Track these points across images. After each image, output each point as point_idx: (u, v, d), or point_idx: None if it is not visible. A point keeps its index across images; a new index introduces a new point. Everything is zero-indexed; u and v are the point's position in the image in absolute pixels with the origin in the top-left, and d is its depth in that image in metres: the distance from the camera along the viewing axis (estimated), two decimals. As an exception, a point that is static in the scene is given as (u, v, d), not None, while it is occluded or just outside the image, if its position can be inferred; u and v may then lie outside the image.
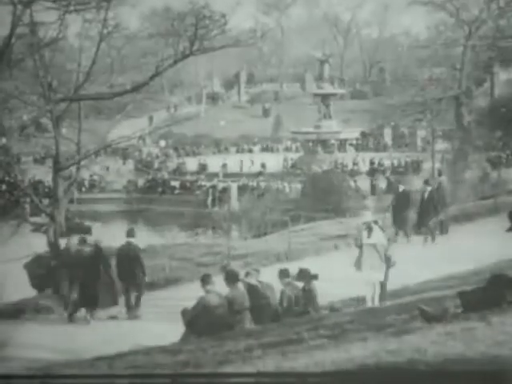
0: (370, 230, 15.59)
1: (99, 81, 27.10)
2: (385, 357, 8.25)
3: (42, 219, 24.75)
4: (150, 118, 63.82)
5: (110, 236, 34.26)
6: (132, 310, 17.50)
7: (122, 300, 17.74)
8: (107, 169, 49.39)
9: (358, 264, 15.67)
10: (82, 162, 25.41)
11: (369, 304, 15.42)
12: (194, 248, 24.86)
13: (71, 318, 17.23)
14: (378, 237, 15.66)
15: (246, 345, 10.89)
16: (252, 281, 14.32)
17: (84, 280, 17.32)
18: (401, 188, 24.49)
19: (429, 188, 23.85)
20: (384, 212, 26.91)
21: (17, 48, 21.54)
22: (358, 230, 16.12)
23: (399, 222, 23.57)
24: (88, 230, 36.55)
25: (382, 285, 15.68)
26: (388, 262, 15.59)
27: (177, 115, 64.59)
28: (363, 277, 15.56)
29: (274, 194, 36.16)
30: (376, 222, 16.03)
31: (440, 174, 26.61)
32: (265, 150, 58.20)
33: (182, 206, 41.00)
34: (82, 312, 17.29)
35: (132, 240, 18.08)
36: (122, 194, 45.28)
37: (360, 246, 15.72)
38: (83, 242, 17.87)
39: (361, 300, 16.08)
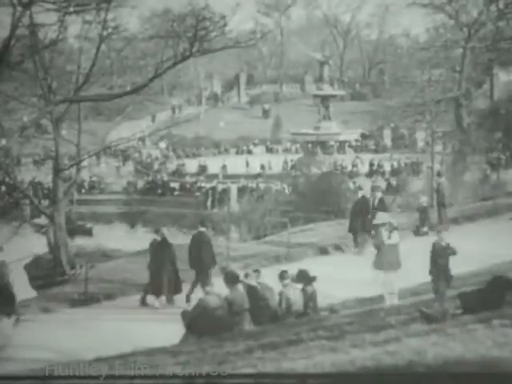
0: (391, 230, 15.78)
1: (99, 82, 27.11)
2: (384, 358, 8.26)
3: (42, 220, 24.77)
4: (153, 117, 63.95)
5: (110, 237, 34.40)
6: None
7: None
8: (117, 168, 49.60)
9: (379, 264, 15.75)
10: (84, 163, 25.41)
11: (388, 303, 15.46)
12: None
13: (143, 302, 18.16)
14: (396, 237, 15.87)
15: (246, 346, 10.91)
16: (252, 282, 14.34)
17: (152, 268, 18.32)
18: (360, 194, 23.60)
19: (378, 194, 23.09)
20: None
21: (16, 50, 21.49)
22: (377, 231, 16.23)
23: (354, 228, 22.96)
24: (89, 232, 36.73)
25: (447, 276, 15.76)
26: (447, 251, 15.67)
27: (177, 117, 64.68)
28: (377, 277, 15.68)
29: (273, 196, 36.16)
30: (394, 223, 16.18)
31: (439, 175, 26.50)
32: (265, 151, 58.24)
33: (181, 207, 41.00)
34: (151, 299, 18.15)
35: (203, 229, 18.84)
36: (121, 195, 45.30)
37: (379, 247, 15.86)
38: (157, 231, 18.93)
39: (362, 301, 16.12)
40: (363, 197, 23.50)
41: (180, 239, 31.16)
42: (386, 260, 15.73)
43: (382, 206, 22.52)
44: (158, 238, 18.60)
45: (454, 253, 15.86)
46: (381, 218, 16.45)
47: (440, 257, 15.57)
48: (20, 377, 9.24)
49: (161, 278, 18.10)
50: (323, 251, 23.07)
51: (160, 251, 18.35)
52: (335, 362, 8.42)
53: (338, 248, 23.34)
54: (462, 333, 9.07)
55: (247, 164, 49.48)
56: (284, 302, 14.34)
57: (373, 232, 21.62)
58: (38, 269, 21.56)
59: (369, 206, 22.68)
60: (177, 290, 18.26)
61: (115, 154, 52.69)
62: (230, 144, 59.81)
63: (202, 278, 17.86)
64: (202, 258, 18.25)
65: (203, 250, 18.34)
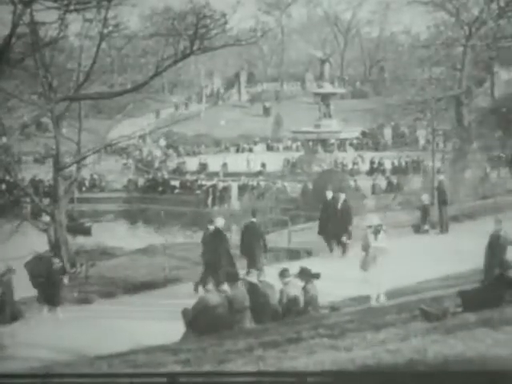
0: (376, 233, 15.78)
1: (99, 80, 27.08)
2: (385, 357, 8.27)
3: (43, 218, 24.77)
4: (157, 114, 63.93)
5: (111, 235, 34.39)
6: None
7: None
8: (124, 165, 49.66)
9: (365, 265, 15.74)
10: (86, 161, 25.41)
11: (373, 303, 15.47)
12: (193, 247, 24.80)
13: (196, 288, 18.41)
14: (383, 239, 15.85)
15: (246, 344, 10.91)
16: (253, 279, 14.35)
17: (206, 257, 18.88)
18: (329, 195, 22.83)
19: (343, 196, 22.81)
20: (384, 212, 26.93)
21: (17, 47, 21.47)
22: (364, 233, 16.22)
23: (324, 231, 22.76)
24: (88, 231, 36.69)
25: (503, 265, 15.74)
26: (505, 240, 15.65)
27: (178, 114, 64.63)
28: (368, 277, 15.65)
29: (274, 194, 36.13)
30: (381, 225, 16.14)
31: (440, 173, 26.47)
32: (266, 149, 58.20)
33: (182, 205, 40.97)
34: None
35: (254, 220, 19.86)
36: (122, 193, 45.29)
37: (366, 249, 15.84)
38: (210, 221, 19.66)
39: (362, 300, 16.11)
40: (333, 198, 22.81)
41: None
42: (372, 262, 15.71)
43: (345, 209, 22.39)
44: (212, 228, 19.02)
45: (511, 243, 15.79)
46: (369, 219, 16.48)
47: (498, 246, 15.53)
48: (21, 375, 9.24)
49: (215, 267, 18.30)
50: (323, 249, 23.03)
51: (213, 241, 18.74)
52: (336, 360, 8.43)
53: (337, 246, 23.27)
54: (462, 331, 9.07)
55: (248, 162, 49.45)
56: (285, 299, 14.34)
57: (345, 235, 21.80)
58: (38, 267, 21.51)
59: (330, 209, 22.50)
60: (234, 278, 18.22)
61: (116, 152, 52.69)
62: (231, 142, 59.75)
63: (254, 264, 18.44)
64: (253, 246, 19.11)
65: (255, 238, 19.25)
